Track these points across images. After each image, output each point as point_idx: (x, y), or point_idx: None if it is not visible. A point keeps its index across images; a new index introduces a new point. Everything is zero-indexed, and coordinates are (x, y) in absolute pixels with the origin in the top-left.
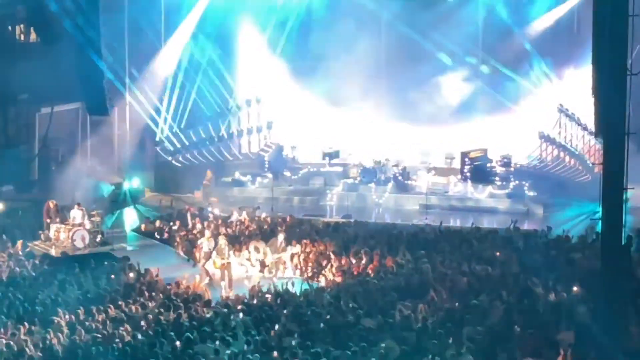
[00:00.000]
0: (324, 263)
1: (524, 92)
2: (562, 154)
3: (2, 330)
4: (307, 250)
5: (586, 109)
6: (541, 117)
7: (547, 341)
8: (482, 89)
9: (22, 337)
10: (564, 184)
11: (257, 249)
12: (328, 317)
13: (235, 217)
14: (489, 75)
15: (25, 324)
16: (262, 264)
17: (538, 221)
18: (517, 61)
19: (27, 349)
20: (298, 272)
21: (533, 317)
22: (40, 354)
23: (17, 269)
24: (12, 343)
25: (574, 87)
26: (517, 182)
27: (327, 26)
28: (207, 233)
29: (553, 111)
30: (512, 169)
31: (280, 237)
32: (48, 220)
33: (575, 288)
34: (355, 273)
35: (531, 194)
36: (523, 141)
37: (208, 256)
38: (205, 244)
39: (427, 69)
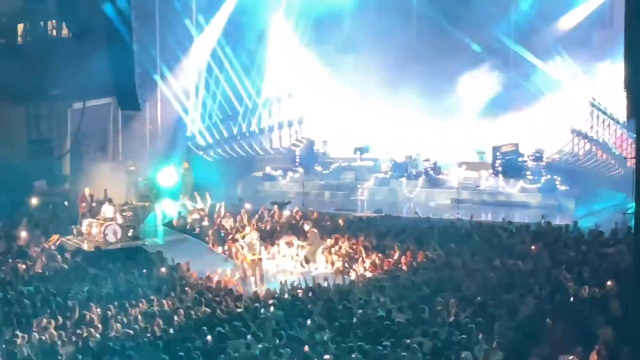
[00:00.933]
0: (355, 258)
1: (556, 86)
2: (594, 148)
3: (35, 324)
4: (339, 245)
5: (618, 103)
6: (573, 111)
7: (579, 336)
8: (514, 83)
9: (55, 331)
10: (596, 178)
11: (289, 244)
12: (359, 311)
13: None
14: (521, 69)
15: (59, 318)
16: (305, 259)
17: (570, 216)
18: (549, 54)
19: (59, 343)
20: (330, 266)
21: (565, 312)
22: (73, 348)
23: (50, 263)
24: (44, 337)
25: (607, 80)
26: (548, 176)
27: (358, 19)
28: (248, 228)
29: (585, 105)
30: (543, 163)
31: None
32: (83, 204)
33: (608, 283)
34: (386, 268)
35: (563, 188)
36: (555, 135)
37: (254, 249)
38: (250, 236)
39: (458, 62)
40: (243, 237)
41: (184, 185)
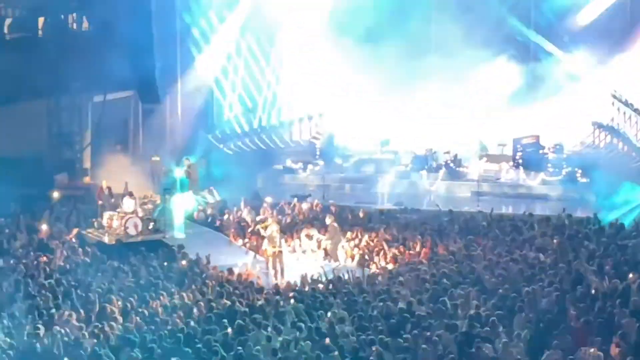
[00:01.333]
0: (376, 251)
1: (577, 78)
2: (615, 140)
3: (56, 317)
4: (358, 238)
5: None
6: (594, 103)
7: (600, 329)
8: (535, 75)
9: (76, 324)
10: (617, 170)
11: (309, 237)
12: (380, 304)
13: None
14: (542, 61)
15: (80, 310)
16: (325, 252)
17: (591, 208)
18: (570, 46)
19: (80, 336)
20: (349, 259)
21: (586, 305)
22: (94, 341)
23: (71, 256)
24: (66, 330)
25: (627, 72)
26: (569, 168)
27: (377, 10)
28: (270, 220)
29: (606, 97)
30: (564, 156)
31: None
32: (100, 202)
33: (630, 275)
34: (406, 260)
35: (584, 180)
36: (576, 127)
37: (274, 240)
38: (270, 228)
39: (479, 54)
40: (265, 229)
41: (190, 182)
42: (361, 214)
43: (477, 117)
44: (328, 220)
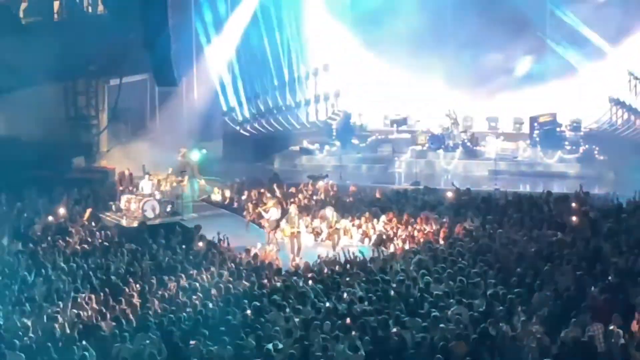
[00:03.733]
0: (393, 231)
1: (594, 55)
2: (632, 117)
3: (75, 300)
4: (374, 220)
5: None
6: (611, 80)
7: (620, 306)
8: (551, 52)
9: (95, 307)
10: (635, 147)
11: (323, 218)
12: (397, 284)
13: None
14: (558, 38)
15: (99, 294)
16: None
17: (609, 185)
18: (587, 24)
19: (99, 319)
20: (367, 240)
21: (605, 283)
22: (113, 324)
23: (89, 239)
24: (85, 313)
25: None
26: (587, 146)
27: None
28: (271, 202)
29: (623, 74)
30: (581, 133)
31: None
32: (121, 188)
33: None
34: (424, 240)
35: (601, 158)
36: (593, 105)
37: (274, 224)
38: (272, 211)
39: (495, 33)
40: (265, 211)
41: (190, 170)
42: (378, 194)
43: (494, 96)
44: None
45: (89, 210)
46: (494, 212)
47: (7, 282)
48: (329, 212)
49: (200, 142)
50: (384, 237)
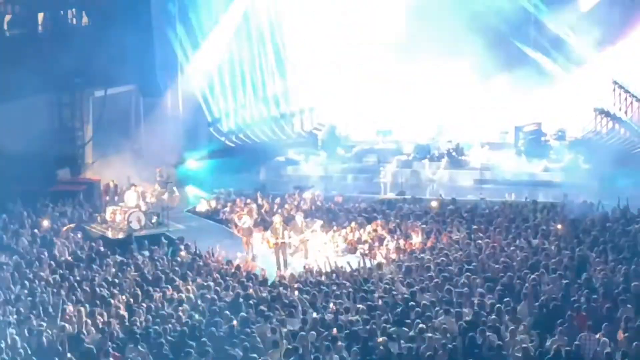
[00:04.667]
0: (380, 240)
1: (578, 65)
2: (616, 126)
3: (61, 312)
4: (362, 228)
5: None
6: (595, 89)
7: (606, 316)
8: (535, 61)
9: (81, 319)
10: (619, 156)
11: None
12: (384, 294)
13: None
14: (542, 47)
15: (85, 305)
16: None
17: (594, 194)
18: (571, 33)
19: (85, 331)
20: (353, 249)
21: (591, 291)
22: (99, 336)
23: (75, 251)
24: (70, 325)
25: (629, 58)
26: (571, 155)
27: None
28: (245, 210)
29: (607, 83)
30: (566, 142)
31: (299, 218)
32: (107, 199)
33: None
34: (410, 249)
35: (586, 166)
36: (577, 114)
37: (248, 232)
38: (244, 218)
39: (479, 42)
40: (239, 218)
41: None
42: (364, 204)
43: (479, 106)
44: (297, 217)
45: (67, 227)
46: (480, 221)
47: None
48: (299, 219)
49: (185, 153)
50: (371, 247)
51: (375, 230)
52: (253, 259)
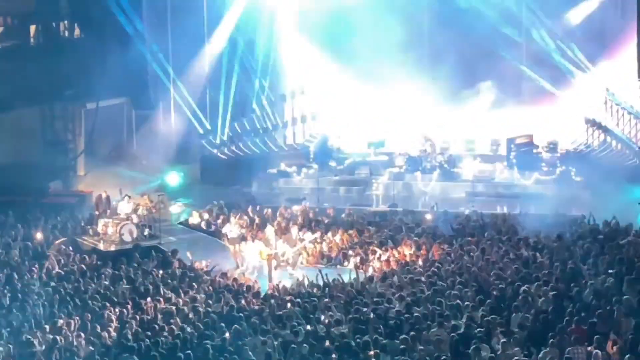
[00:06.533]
0: (372, 252)
1: (570, 77)
2: (608, 139)
3: (53, 325)
4: (354, 240)
5: (632, 93)
6: (587, 101)
7: (597, 327)
8: (527, 74)
9: (73, 331)
10: (611, 168)
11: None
12: (376, 306)
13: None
14: (534, 60)
15: (76, 318)
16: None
17: (585, 207)
18: (562, 46)
19: (77, 343)
20: (346, 262)
21: (582, 304)
22: (91, 349)
23: (66, 264)
24: (62, 338)
25: (620, 71)
26: (563, 167)
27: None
28: (233, 220)
29: (599, 96)
30: (558, 155)
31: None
32: (98, 212)
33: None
34: (402, 262)
35: (578, 179)
36: (569, 126)
37: (236, 241)
38: (233, 230)
39: (472, 54)
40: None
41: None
42: (356, 217)
43: (470, 118)
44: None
45: (59, 240)
46: (471, 234)
47: None
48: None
49: (177, 165)
50: (363, 259)
51: (366, 243)
52: (243, 272)
